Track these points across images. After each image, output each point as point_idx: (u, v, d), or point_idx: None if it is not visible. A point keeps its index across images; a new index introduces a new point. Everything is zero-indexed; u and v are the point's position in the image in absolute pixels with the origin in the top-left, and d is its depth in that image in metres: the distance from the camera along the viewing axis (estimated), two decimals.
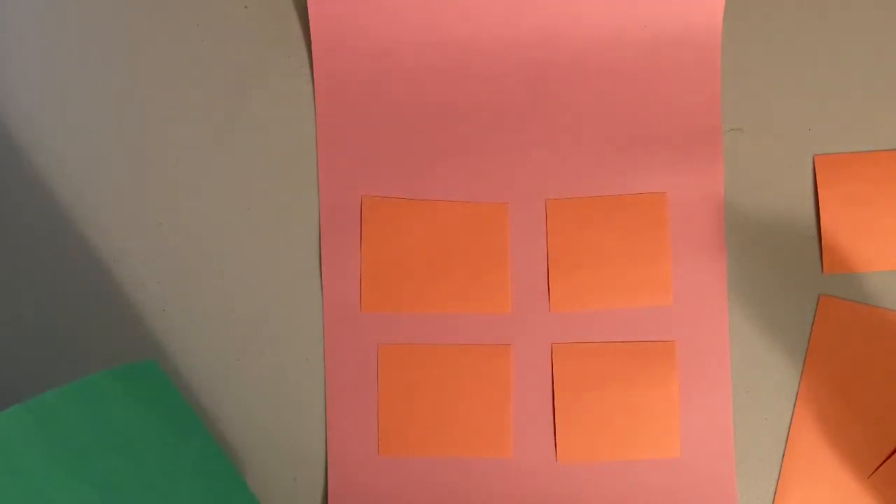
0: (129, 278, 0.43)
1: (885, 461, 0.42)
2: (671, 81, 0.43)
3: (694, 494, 0.42)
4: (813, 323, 0.43)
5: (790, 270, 0.43)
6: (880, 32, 0.44)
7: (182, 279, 0.43)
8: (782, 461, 0.42)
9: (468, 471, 0.42)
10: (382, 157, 0.43)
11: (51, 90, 0.44)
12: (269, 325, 0.43)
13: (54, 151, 0.44)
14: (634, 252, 0.43)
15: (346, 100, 0.43)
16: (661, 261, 0.43)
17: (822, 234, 0.43)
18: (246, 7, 0.44)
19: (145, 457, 0.31)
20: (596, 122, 0.43)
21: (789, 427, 0.43)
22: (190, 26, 0.44)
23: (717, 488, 0.42)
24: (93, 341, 0.43)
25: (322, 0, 0.43)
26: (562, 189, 0.43)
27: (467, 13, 0.43)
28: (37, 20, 0.44)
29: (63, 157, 0.44)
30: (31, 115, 0.44)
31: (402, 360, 0.42)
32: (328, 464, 0.42)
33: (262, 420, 0.43)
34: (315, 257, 0.43)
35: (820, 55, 0.44)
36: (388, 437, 0.42)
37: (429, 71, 0.43)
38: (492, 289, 0.43)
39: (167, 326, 0.43)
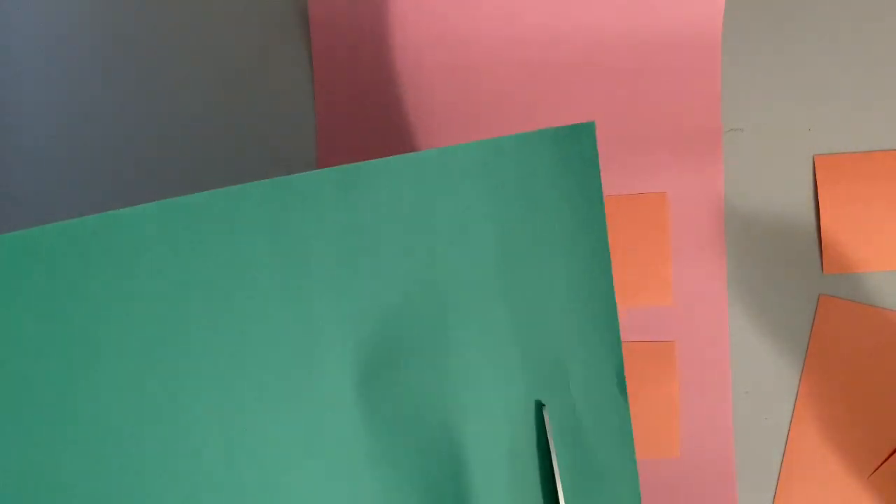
0: None
1: (885, 461, 0.42)
2: (671, 81, 0.43)
3: (694, 494, 0.42)
4: (813, 323, 0.43)
5: (790, 270, 0.43)
6: (880, 33, 0.44)
7: None
8: (782, 461, 0.42)
9: None
10: (381, 156, 0.43)
11: (49, 86, 0.44)
12: None
13: (52, 146, 0.44)
14: (634, 252, 0.43)
15: (345, 99, 0.43)
16: (661, 261, 0.43)
17: (822, 234, 0.43)
18: (246, 7, 0.44)
19: (545, 224, 0.31)
20: (596, 121, 0.43)
21: (789, 427, 0.43)
22: (190, 25, 0.44)
23: (718, 488, 0.42)
24: None
25: (322, 0, 0.43)
26: None
27: (468, 13, 0.43)
28: (37, 17, 0.44)
29: (61, 152, 0.44)
30: (30, 109, 0.44)
31: None
32: None
33: None
34: None
35: (820, 55, 0.44)
36: None
37: (428, 70, 0.43)
38: None
39: None
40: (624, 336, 0.43)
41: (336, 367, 0.27)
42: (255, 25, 0.44)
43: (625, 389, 0.31)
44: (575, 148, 0.31)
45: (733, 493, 0.42)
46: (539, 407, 0.30)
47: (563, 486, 0.30)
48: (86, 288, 0.24)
